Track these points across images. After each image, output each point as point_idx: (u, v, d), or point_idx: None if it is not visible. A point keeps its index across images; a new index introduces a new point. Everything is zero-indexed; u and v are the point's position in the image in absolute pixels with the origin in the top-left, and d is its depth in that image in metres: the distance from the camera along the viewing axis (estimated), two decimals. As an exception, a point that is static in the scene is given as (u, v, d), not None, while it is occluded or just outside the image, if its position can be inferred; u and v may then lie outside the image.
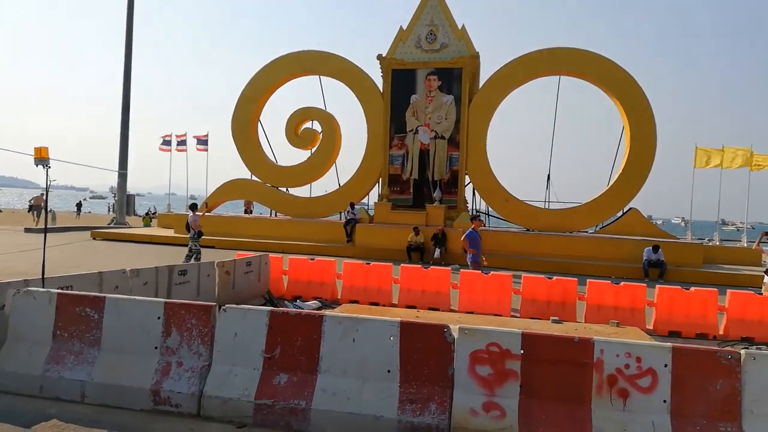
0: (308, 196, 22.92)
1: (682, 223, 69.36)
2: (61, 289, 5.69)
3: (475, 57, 20.47)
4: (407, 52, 20.91)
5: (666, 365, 4.08)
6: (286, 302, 9.94)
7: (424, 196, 20.45)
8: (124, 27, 27.55)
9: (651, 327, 9.20)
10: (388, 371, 4.40)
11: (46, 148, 5.50)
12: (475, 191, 20.97)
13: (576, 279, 9.77)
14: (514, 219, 20.12)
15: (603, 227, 20.11)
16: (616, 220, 19.74)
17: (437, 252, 17.30)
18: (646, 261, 16.12)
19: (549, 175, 21.68)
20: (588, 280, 9.85)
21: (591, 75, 19.82)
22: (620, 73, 19.49)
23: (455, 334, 4.39)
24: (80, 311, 4.90)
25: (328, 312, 4.68)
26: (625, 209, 19.56)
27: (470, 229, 11.17)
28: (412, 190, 20.76)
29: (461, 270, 10.63)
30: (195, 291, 8.25)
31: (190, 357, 4.72)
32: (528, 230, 19.69)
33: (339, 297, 10.55)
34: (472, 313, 9.59)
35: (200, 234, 13.44)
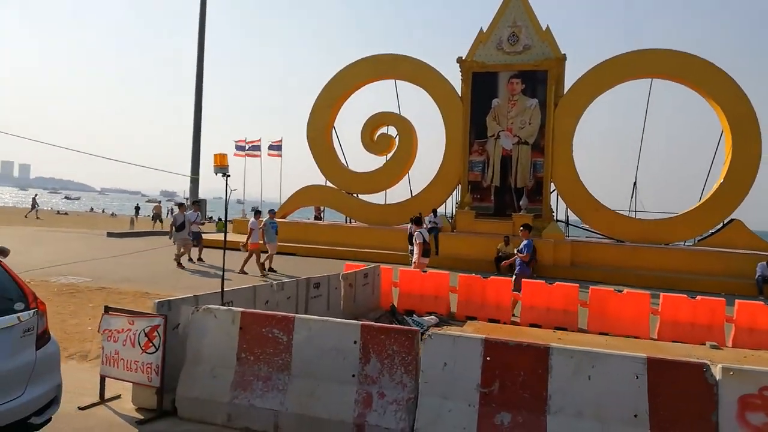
0: (383, 203, 22.49)
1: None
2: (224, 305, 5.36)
3: (561, 59, 19.63)
4: (488, 54, 20.24)
5: None
6: (404, 317, 9.44)
7: (506, 204, 19.69)
8: (197, 31, 28.05)
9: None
10: (635, 416, 3.80)
11: (225, 155, 5.18)
12: (559, 199, 20.09)
13: (724, 299, 8.91)
14: (605, 230, 19.11)
15: (701, 239, 18.89)
16: (716, 232, 18.49)
17: (528, 263, 16.49)
18: (759, 277, 14.93)
19: (635, 182, 20.60)
20: (737, 301, 8.96)
21: (687, 78, 18.68)
22: (720, 75, 18.25)
23: (717, 375, 3.76)
24: (267, 332, 4.51)
25: (554, 344, 4.11)
26: (726, 221, 18.31)
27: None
28: (493, 198, 20.04)
29: (591, 287, 9.83)
30: (326, 304, 7.85)
31: (392, 387, 4.24)
32: (618, 241, 18.66)
33: (454, 311, 10.01)
34: (606, 334, 8.88)
35: None
